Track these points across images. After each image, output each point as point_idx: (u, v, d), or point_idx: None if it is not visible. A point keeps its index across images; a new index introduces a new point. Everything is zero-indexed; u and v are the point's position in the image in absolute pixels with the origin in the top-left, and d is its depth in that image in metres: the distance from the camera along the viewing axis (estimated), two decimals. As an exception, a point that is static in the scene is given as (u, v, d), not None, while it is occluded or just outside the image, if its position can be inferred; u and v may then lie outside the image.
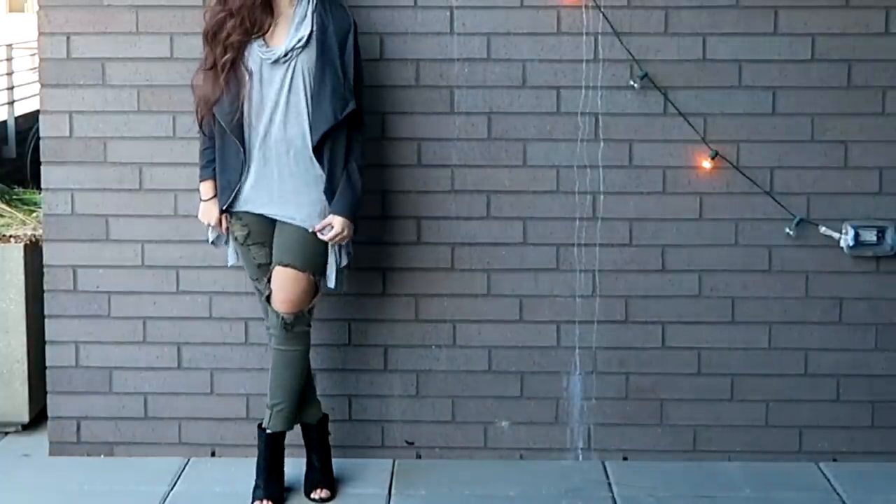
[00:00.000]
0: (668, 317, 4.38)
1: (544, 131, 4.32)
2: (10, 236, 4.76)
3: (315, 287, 3.99)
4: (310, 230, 3.90)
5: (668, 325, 4.38)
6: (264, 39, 3.87)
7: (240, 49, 3.84)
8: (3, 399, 4.68)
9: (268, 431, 4.06)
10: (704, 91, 4.29)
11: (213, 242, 4.13)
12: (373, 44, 4.24)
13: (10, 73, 11.97)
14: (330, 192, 3.89)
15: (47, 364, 4.45)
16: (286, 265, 3.93)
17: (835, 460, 4.41)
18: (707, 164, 4.30)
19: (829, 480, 4.28)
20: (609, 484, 4.26)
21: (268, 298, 3.98)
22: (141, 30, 4.31)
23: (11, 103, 11.78)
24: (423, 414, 4.44)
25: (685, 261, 4.36)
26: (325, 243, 3.93)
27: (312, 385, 4.17)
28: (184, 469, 4.36)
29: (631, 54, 4.26)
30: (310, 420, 4.16)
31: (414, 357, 4.42)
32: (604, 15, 4.25)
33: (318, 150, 3.86)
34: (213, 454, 4.45)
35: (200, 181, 4.03)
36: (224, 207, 3.95)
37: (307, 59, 3.85)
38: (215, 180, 3.98)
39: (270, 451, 4.07)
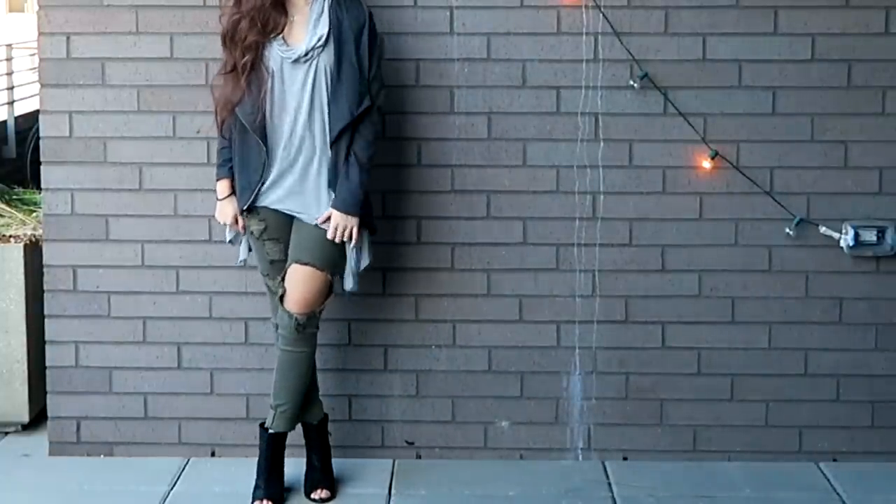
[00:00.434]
0: (668, 317, 4.38)
1: (544, 131, 4.32)
2: (10, 236, 4.76)
3: (330, 287, 3.98)
4: (313, 222, 3.89)
5: (668, 325, 4.39)
6: (283, 39, 3.87)
7: (258, 50, 3.84)
8: (3, 399, 4.68)
9: (270, 431, 4.06)
10: (704, 91, 4.29)
11: (230, 241, 4.12)
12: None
13: (10, 73, 11.97)
14: (334, 185, 3.89)
15: (47, 364, 4.45)
16: (305, 263, 3.91)
17: (835, 460, 4.41)
18: (707, 164, 4.30)
19: (829, 480, 4.28)
20: (609, 484, 4.26)
21: (281, 298, 3.96)
22: (141, 30, 4.31)
23: (11, 103, 11.79)
24: (423, 414, 4.44)
25: (685, 261, 4.36)
26: (344, 243, 3.92)
27: (316, 385, 4.16)
28: (184, 469, 4.36)
29: (631, 54, 4.26)
30: (311, 420, 4.16)
31: (414, 357, 4.42)
32: (604, 15, 4.25)
33: (335, 147, 3.87)
34: (212, 454, 4.45)
35: (217, 180, 4.03)
36: (245, 207, 3.94)
37: (327, 57, 3.85)
38: (232, 179, 3.98)
39: (272, 451, 4.07)
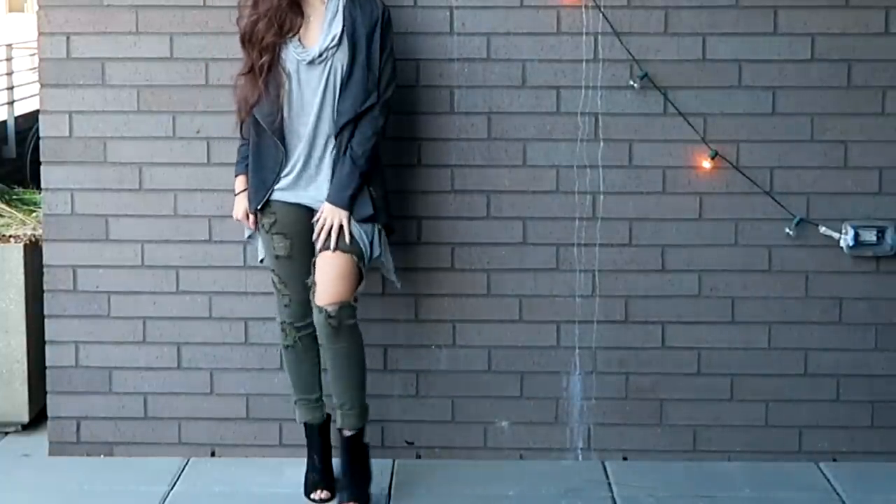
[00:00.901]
0: (668, 317, 4.38)
1: (544, 131, 4.32)
2: (10, 236, 4.76)
3: (359, 274, 3.93)
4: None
5: (668, 325, 4.39)
6: (300, 40, 3.89)
7: (275, 50, 3.85)
8: (3, 399, 4.68)
9: (345, 434, 4.04)
10: (704, 91, 4.29)
11: (249, 238, 4.13)
12: (373, 44, 4.25)
13: (9, 73, 11.98)
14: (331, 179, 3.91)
15: (47, 364, 4.45)
16: (326, 248, 3.88)
17: (835, 460, 4.41)
18: (707, 164, 4.30)
19: (829, 480, 4.28)
20: (609, 484, 4.26)
21: (312, 294, 3.90)
22: (141, 30, 4.31)
23: (11, 103, 11.80)
24: (423, 414, 4.44)
25: (685, 261, 4.36)
26: (364, 228, 3.90)
27: (321, 386, 4.16)
28: (184, 469, 4.36)
29: (631, 54, 4.26)
30: (314, 421, 4.15)
31: (414, 357, 4.42)
32: (604, 15, 4.25)
33: (337, 141, 3.88)
34: (212, 454, 4.45)
35: (235, 176, 4.06)
36: (259, 206, 3.95)
37: (342, 57, 3.87)
38: (247, 176, 4.00)
39: (345, 452, 4.05)
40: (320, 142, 3.91)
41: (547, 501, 4.13)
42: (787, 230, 4.32)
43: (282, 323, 4.08)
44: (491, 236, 4.36)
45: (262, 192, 3.94)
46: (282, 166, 3.91)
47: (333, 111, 3.88)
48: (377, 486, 4.18)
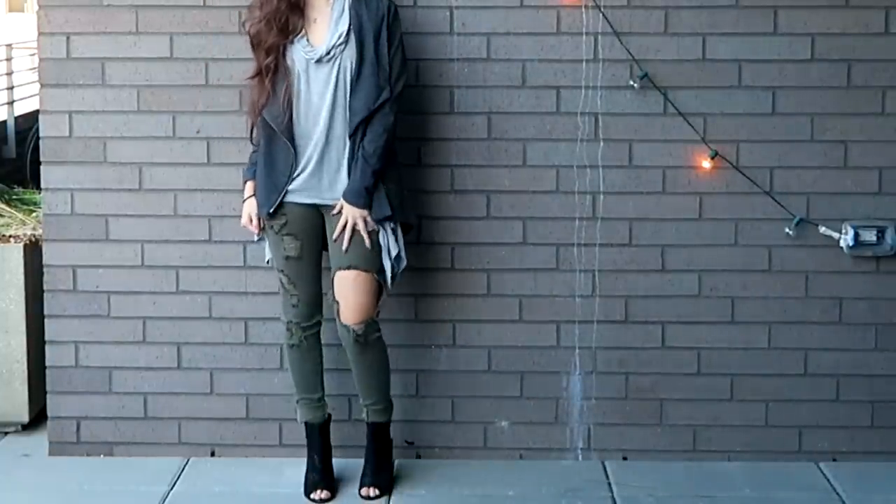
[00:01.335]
0: (667, 317, 4.38)
1: (544, 131, 4.32)
2: (10, 236, 4.76)
3: (379, 287, 4.00)
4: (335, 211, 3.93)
5: (668, 325, 4.39)
6: (307, 40, 3.90)
7: (278, 51, 3.88)
8: (3, 399, 4.68)
9: (372, 424, 4.15)
10: (704, 91, 4.29)
11: (259, 239, 4.14)
12: (373, 44, 4.25)
13: (9, 73, 11.98)
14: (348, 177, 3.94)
15: (47, 364, 4.45)
16: (346, 267, 3.94)
17: (835, 460, 4.41)
18: (707, 164, 4.30)
19: (828, 480, 4.28)
20: (609, 484, 4.26)
21: (336, 312, 4.00)
22: (141, 30, 4.31)
23: (11, 103, 11.80)
24: (423, 414, 4.44)
25: (685, 261, 4.36)
26: (375, 238, 3.93)
27: (322, 386, 4.17)
28: (183, 469, 4.36)
29: (631, 54, 4.26)
30: (315, 420, 4.16)
31: (414, 357, 4.42)
32: (604, 15, 4.25)
33: (352, 140, 3.89)
34: (212, 454, 4.45)
35: (243, 182, 4.09)
36: (271, 210, 3.96)
37: (350, 54, 3.88)
38: (255, 181, 4.02)
39: (371, 442, 4.16)
40: (335, 142, 3.91)
41: (547, 501, 4.13)
42: (787, 230, 4.32)
43: (288, 322, 4.09)
44: (491, 236, 4.36)
45: (275, 196, 3.95)
46: (293, 168, 3.92)
47: (345, 110, 3.89)
48: (377, 486, 4.19)
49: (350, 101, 3.89)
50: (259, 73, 3.91)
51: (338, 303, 3.99)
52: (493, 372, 4.42)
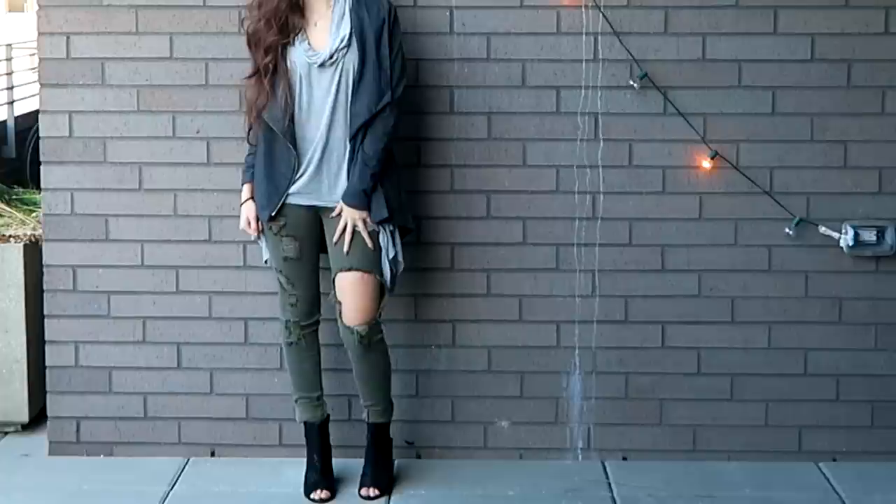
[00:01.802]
0: (667, 317, 4.38)
1: (544, 131, 4.32)
2: (10, 236, 4.76)
3: (381, 288, 4.00)
4: (334, 213, 3.93)
5: (668, 325, 4.39)
6: (309, 43, 3.90)
7: (277, 51, 3.87)
8: (3, 399, 4.68)
9: (373, 425, 4.16)
10: (704, 91, 4.29)
11: (256, 239, 4.14)
12: (373, 44, 4.25)
13: (9, 73, 11.96)
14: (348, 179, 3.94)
15: (47, 364, 4.45)
16: (348, 269, 3.94)
17: (835, 460, 4.41)
18: (707, 164, 4.30)
19: (828, 480, 4.28)
20: (609, 484, 4.26)
21: (339, 314, 4.00)
22: (141, 30, 4.31)
23: (11, 103, 11.78)
24: (423, 414, 4.44)
25: (685, 261, 4.36)
26: (376, 239, 3.93)
27: (321, 386, 4.17)
28: (183, 469, 4.36)
29: (631, 54, 4.26)
30: (314, 420, 4.16)
31: (414, 357, 4.42)
32: (603, 15, 4.25)
33: (353, 143, 3.89)
34: (212, 454, 4.45)
35: (241, 184, 4.09)
36: (273, 214, 3.96)
37: (352, 57, 3.88)
38: (252, 184, 4.02)
39: (371, 442, 4.17)
40: (336, 144, 3.91)
41: (547, 501, 4.13)
42: (787, 230, 4.32)
43: (286, 321, 4.09)
44: (491, 236, 4.36)
45: (276, 199, 3.95)
46: (294, 171, 3.92)
47: (346, 113, 3.89)
48: (377, 486, 4.19)
49: (351, 105, 3.89)
50: (257, 73, 3.91)
51: (340, 304, 3.99)
52: (493, 372, 4.42)
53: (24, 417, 4.71)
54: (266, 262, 4.15)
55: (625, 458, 4.43)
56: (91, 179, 4.36)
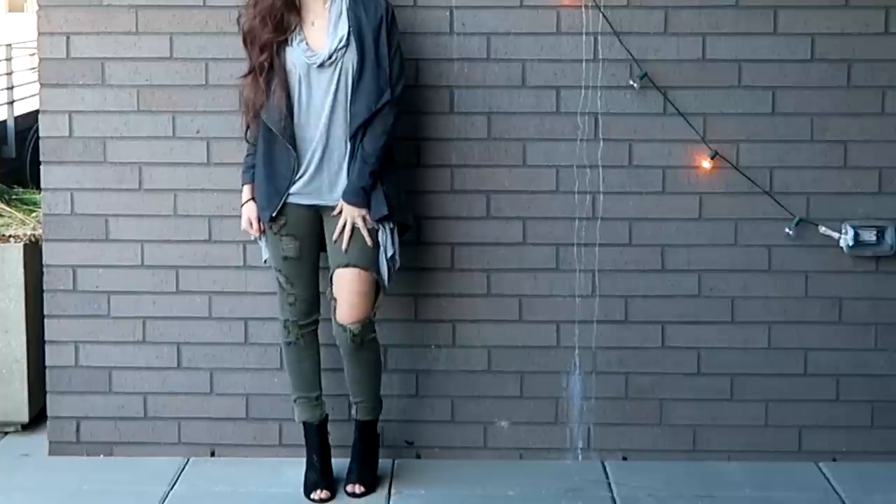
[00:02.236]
0: (667, 317, 4.38)
1: (544, 131, 4.32)
2: (10, 236, 4.76)
3: (377, 287, 4.01)
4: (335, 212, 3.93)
5: (668, 325, 4.39)
6: (307, 44, 3.89)
7: (272, 49, 3.87)
8: (3, 399, 4.68)
9: (360, 421, 4.18)
10: (704, 91, 4.29)
11: (256, 239, 4.15)
12: (372, 44, 4.25)
13: (9, 73, 11.97)
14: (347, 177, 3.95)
15: (47, 364, 4.45)
16: (346, 265, 3.94)
17: (834, 460, 4.41)
18: (707, 164, 4.30)
19: (828, 480, 4.28)
20: (609, 484, 4.26)
21: (333, 311, 4.00)
22: (141, 30, 4.31)
23: (11, 103, 11.79)
24: (423, 414, 4.44)
25: (685, 261, 4.36)
26: (375, 237, 3.94)
27: (320, 385, 4.18)
28: (183, 469, 4.36)
29: (631, 54, 4.26)
30: (313, 420, 4.16)
31: (414, 357, 4.42)
32: (603, 15, 4.25)
33: (352, 141, 3.90)
34: (212, 454, 4.45)
35: (241, 185, 4.08)
36: (274, 214, 3.96)
37: (351, 57, 3.88)
38: (253, 184, 4.02)
39: (358, 439, 4.19)
40: (336, 143, 3.92)
41: (547, 501, 4.13)
42: (787, 230, 4.32)
43: (285, 321, 4.09)
44: (491, 236, 4.36)
45: (277, 200, 3.95)
46: (294, 171, 3.93)
47: (346, 112, 3.90)
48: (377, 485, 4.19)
49: (351, 104, 3.89)
50: (253, 72, 3.91)
51: (335, 300, 3.99)
52: (493, 372, 4.42)
53: (24, 417, 4.71)
54: (266, 261, 4.15)
55: (625, 458, 4.43)
56: (91, 179, 4.36)
